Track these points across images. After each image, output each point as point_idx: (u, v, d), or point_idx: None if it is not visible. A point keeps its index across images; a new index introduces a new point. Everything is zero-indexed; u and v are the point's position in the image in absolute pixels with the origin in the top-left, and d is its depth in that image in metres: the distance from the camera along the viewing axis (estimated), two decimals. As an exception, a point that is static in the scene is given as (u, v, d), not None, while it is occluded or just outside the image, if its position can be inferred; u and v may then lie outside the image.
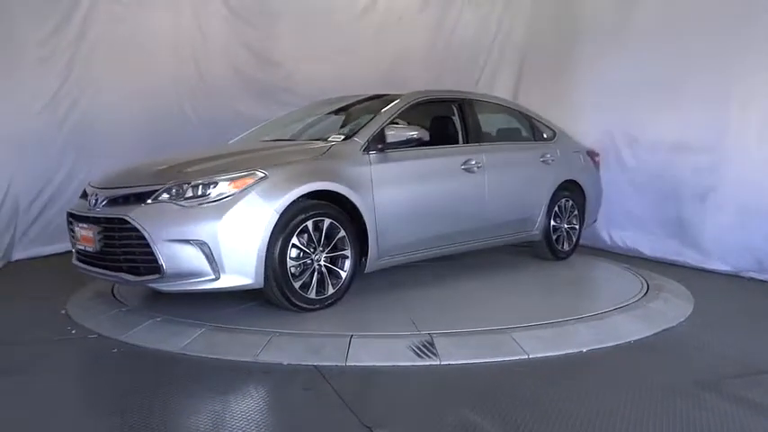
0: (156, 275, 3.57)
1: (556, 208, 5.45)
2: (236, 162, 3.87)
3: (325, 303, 3.90)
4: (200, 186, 3.57)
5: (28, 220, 5.97)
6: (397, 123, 4.43)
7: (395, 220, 4.22)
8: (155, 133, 6.40)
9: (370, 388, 2.99)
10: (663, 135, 5.85)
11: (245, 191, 3.57)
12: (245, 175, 3.63)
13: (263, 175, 3.66)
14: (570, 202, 5.60)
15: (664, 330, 3.86)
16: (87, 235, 3.85)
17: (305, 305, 3.82)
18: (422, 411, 2.75)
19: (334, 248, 3.92)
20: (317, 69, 7.10)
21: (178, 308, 3.93)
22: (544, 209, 5.36)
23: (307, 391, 2.94)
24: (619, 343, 3.60)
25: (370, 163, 4.13)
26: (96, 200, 3.86)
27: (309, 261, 3.83)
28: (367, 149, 4.17)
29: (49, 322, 3.97)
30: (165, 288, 3.65)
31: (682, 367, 3.33)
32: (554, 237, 5.48)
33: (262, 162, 3.80)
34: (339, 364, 3.21)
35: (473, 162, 4.73)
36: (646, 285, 4.67)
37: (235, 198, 3.54)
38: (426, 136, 4.35)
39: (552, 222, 5.43)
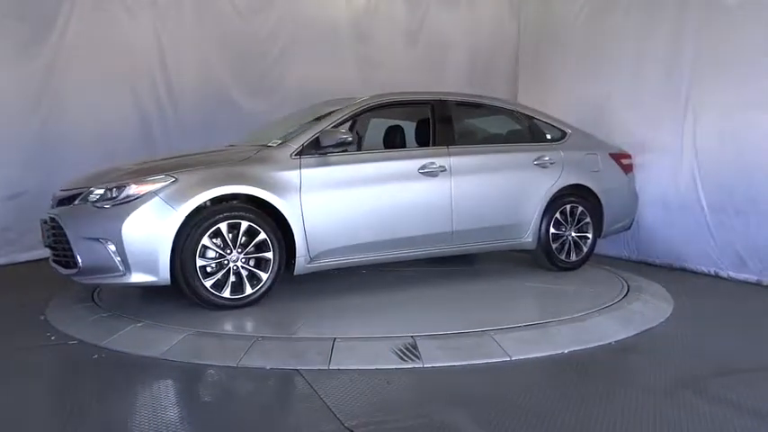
0: (75, 269, 3.89)
1: (557, 214, 5.09)
2: (156, 167, 4.05)
3: (241, 303, 3.97)
4: (114, 189, 3.83)
5: (5, 225, 5.88)
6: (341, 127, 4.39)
7: (328, 223, 4.21)
8: (138, 139, 6.36)
9: (354, 391, 2.98)
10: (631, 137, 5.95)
11: (151, 194, 3.78)
12: (153, 180, 3.84)
13: (173, 179, 3.84)
14: (579, 209, 5.20)
15: (644, 331, 3.90)
16: (44, 232, 4.24)
17: (218, 303, 3.91)
18: (405, 414, 2.75)
19: (260, 250, 3.99)
20: (304, 76, 7.05)
21: (160, 313, 3.91)
22: (537, 215, 5.01)
23: (290, 395, 2.94)
24: (600, 344, 3.64)
25: (300, 167, 4.15)
26: (52, 201, 4.21)
27: (226, 261, 3.92)
28: (300, 153, 4.20)
29: (27, 328, 3.92)
30: (84, 281, 4.03)
31: (661, 367, 3.36)
32: (554, 245, 5.10)
33: (180, 166, 3.99)
34: (322, 367, 3.21)
35: (435, 165, 4.58)
36: (626, 287, 4.72)
37: (141, 200, 3.76)
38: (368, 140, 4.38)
39: (552, 230, 5.07)
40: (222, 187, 3.91)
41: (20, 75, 5.91)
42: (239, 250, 3.95)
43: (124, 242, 3.70)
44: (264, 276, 4.02)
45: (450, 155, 4.69)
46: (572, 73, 6.76)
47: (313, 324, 3.81)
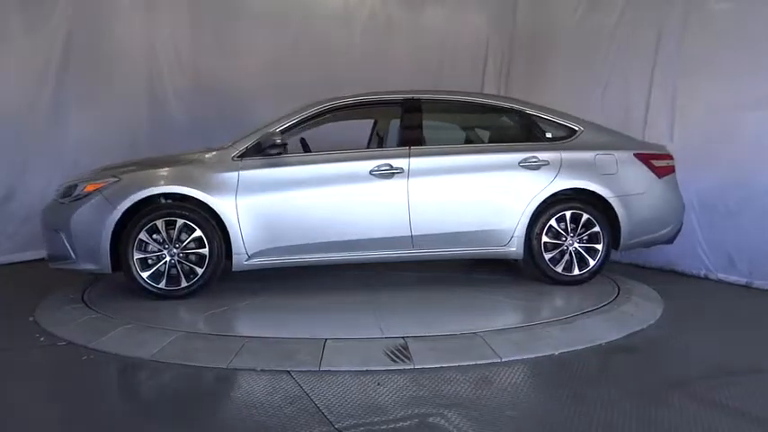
0: (46, 255, 4.45)
1: (553, 221, 4.60)
2: (116, 167, 4.48)
3: (177, 294, 4.23)
4: (72, 187, 4.32)
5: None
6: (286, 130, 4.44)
7: (265, 223, 4.30)
8: (139, 139, 6.39)
9: (344, 392, 2.98)
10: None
11: (96, 192, 4.21)
12: (99, 180, 4.29)
13: (116, 179, 4.25)
14: (584, 216, 4.64)
15: (634, 333, 3.91)
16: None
17: (154, 292, 4.21)
18: (396, 415, 2.75)
19: (201, 246, 4.25)
20: (296, 76, 7.05)
21: (150, 314, 3.90)
22: (524, 222, 4.56)
23: (280, 396, 2.93)
24: (590, 345, 3.64)
25: (239, 169, 4.31)
26: None
27: (163, 255, 4.23)
28: (243, 156, 4.37)
29: (16, 329, 3.90)
30: (54, 266, 4.41)
31: (651, 369, 3.38)
32: (548, 256, 4.61)
33: (136, 167, 4.43)
34: (313, 369, 3.21)
35: (388, 167, 4.42)
36: (617, 289, 4.71)
37: (88, 198, 4.21)
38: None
39: (545, 239, 4.59)
40: (157, 187, 4.23)
41: (18, 74, 5.89)
42: (177, 245, 4.22)
43: (72, 233, 4.17)
44: (200, 271, 4.26)
45: (410, 156, 4.50)
46: (565, 72, 6.78)
47: (303, 324, 3.81)
